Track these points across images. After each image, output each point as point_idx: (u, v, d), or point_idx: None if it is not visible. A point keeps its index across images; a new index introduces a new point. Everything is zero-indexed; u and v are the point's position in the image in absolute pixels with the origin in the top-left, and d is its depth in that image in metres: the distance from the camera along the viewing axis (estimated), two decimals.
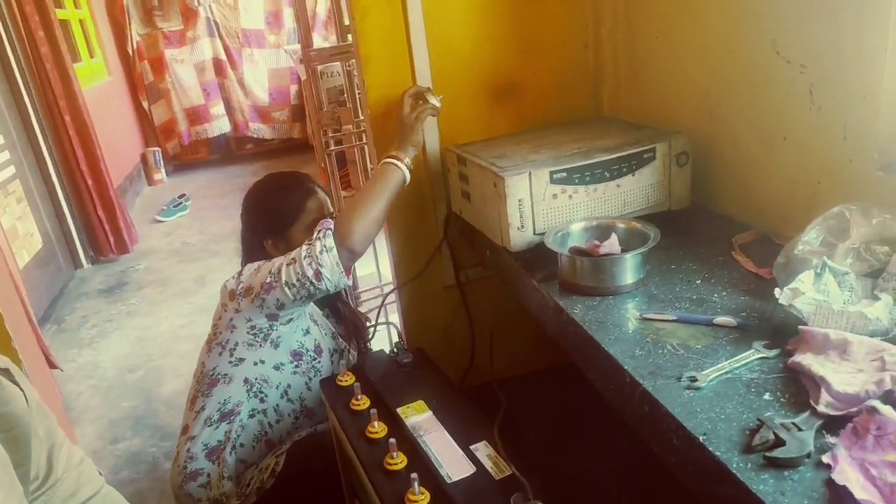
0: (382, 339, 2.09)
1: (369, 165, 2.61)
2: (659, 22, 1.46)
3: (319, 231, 1.39)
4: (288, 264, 1.38)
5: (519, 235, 1.26)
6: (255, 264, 1.46)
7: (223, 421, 1.49)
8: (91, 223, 4.07)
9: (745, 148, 1.28)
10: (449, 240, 1.68)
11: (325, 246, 1.36)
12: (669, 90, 1.47)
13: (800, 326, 0.86)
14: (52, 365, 2.49)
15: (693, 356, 0.90)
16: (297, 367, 1.53)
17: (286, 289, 1.38)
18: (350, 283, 1.46)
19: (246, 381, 1.49)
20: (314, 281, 1.36)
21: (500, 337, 1.76)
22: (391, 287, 2.14)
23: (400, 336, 1.78)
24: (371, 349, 1.78)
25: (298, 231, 1.52)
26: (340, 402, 1.33)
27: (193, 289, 3.68)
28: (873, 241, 0.94)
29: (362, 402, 1.29)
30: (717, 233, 1.27)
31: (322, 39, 5.63)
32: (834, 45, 1.03)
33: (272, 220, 1.55)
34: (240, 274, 1.47)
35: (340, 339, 1.68)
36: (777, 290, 0.90)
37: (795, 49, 1.10)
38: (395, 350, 1.45)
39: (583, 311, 1.05)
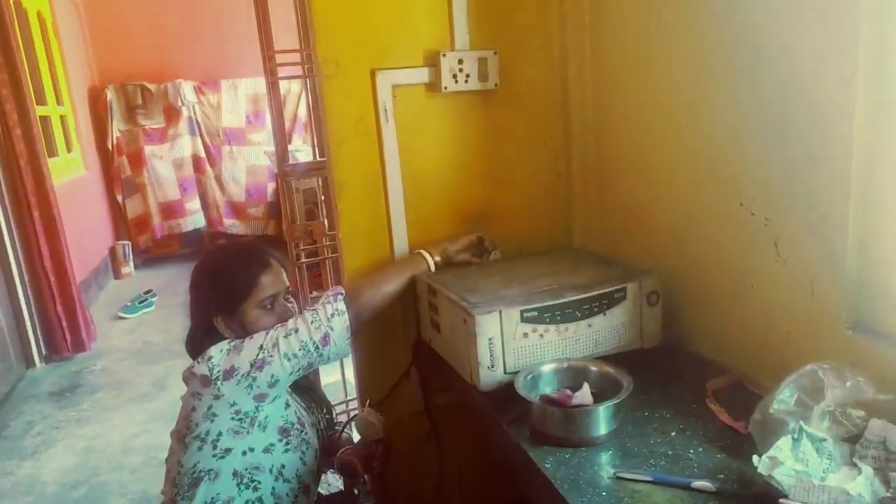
0: None
1: (342, 278, 2.59)
2: (629, 159, 1.50)
3: (328, 296, 1.39)
4: (286, 336, 1.32)
5: (489, 374, 1.22)
6: (225, 344, 1.35)
7: None
8: (49, 320, 3.93)
9: (715, 291, 1.28)
10: (418, 365, 1.63)
11: (336, 310, 1.35)
12: (639, 226, 1.49)
13: (781, 500, 0.83)
14: None
15: None
16: (287, 443, 1.40)
17: (285, 361, 1.31)
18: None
19: (235, 473, 1.35)
20: (320, 347, 1.33)
21: (469, 468, 1.68)
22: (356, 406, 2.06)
23: (362, 477, 1.67)
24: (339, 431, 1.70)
25: (251, 307, 1.38)
26: None
27: (152, 393, 3.51)
28: (848, 403, 0.93)
29: None
30: (690, 374, 1.25)
31: (301, 142, 5.76)
32: (797, 202, 1.06)
33: (222, 297, 1.40)
34: (208, 357, 1.32)
35: (313, 413, 1.57)
36: (755, 458, 0.87)
37: (759, 202, 1.13)
38: (357, 492, 1.36)
39: (554, 466, 1.00)
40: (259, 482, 1.37)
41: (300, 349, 1.32)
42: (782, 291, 1.11)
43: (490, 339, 1.21)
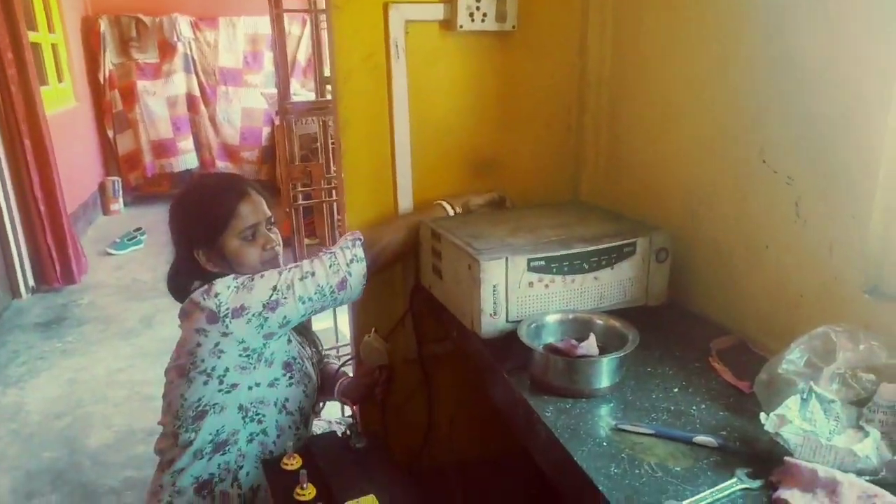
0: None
1: (336, 220, 2.55)
2: (644, 115, 1.46)
3: (346, 240, 1.38)
4: (302, 278, 1.31)
5: (491, 322, 1.20)
6: (230, 280, 1.32)
7: (217, 452, 1.36)
8: (39, 250, 3.88)
9: (726, 251, 1.26)
10: (414, 312, 1.61)
11: (355, 256, 1.35)
12: (651, 183, 1.45)
13: (786, 458, 0.81)
14: None
15: (672, 480, 0.83)
16: (290, 377, 1.42)
17: (299, 304, 1.30)
18: None
19: (241, 407, 1.36)
20: (336, 292, 1.34)
21: (461, 417, 1.68)
22: (349, 351, 2.05)
23: (354, 416, 1.67)
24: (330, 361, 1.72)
25: (230, 238, 1.36)
26: (283, 489, 1.22)
27: (138, 329, 3.49)
28: (859, 367, 0.91)
29: (307, 493, 1.18)
30: (694, 334, 1.24)
31: (300, 86, 5.62)
32: (823, 162, 1.02)
33: (201, 230, 1.38)
34: (214, 294, 1.29)
35: (307, 348, 1.57)
36: (763, 416, 0.85)
37: (783, 160, 1.09)
38: (349, 432, 1.35)
39: (554, 415, 0.99)
40: (263, 415, 1.39)
41: (315, 293, 1.31)
42: (799, 253, 1.08)
43: (494, 287, 1.18)
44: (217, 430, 1.35)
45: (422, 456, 1.67)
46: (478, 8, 1.46)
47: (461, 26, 1.46)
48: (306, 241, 3.90)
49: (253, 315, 1.29)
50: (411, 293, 1.60)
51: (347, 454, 1.33)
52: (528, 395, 1.05)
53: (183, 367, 1.34)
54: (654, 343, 1.20)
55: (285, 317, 1.31)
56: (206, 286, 1.32)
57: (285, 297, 1.29)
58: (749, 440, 0.91)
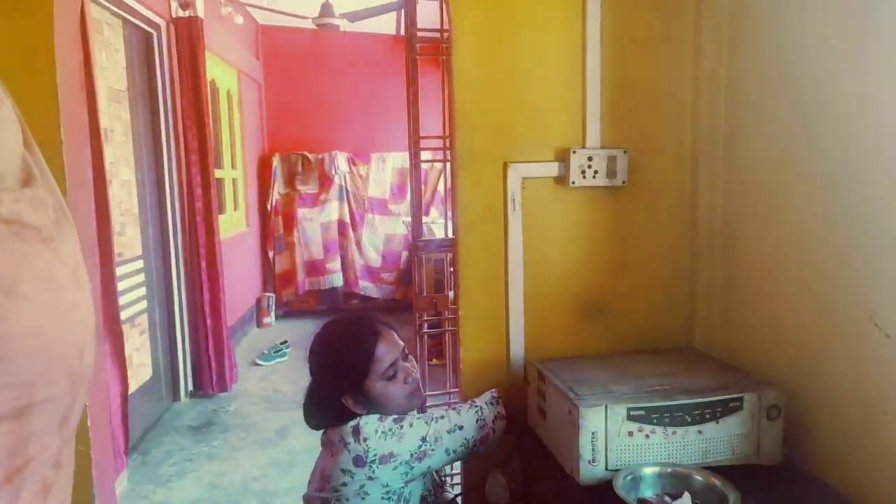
0: None
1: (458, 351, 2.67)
2: (756, 267, 1.47)
3: (491, 395, 1.49)
4: (450, 431, 1.41)
5: (589, 469, 1.22)
6: (375, 422, 1.39)
7: None
8: (200, 360, 4.35)
9: (842, 414, 1.20)
10: (522, 450, 1.64)
11: (499, 413, 1.45)
12: (764, 335, 1.44)
13: None
14: None
15: None
16: None
17: (444, 455, 1.40)
18: None
19: None
20: (478, 445, 1.43)
21: None
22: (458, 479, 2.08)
23: None
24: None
25: (374, 381, 1.41)
26: None
27: (274, 440, 3.74)
28: None
29: None
30: (809, 500, 1.17)
31: (438, 214, 6.05)
32: None
33: (345, 379, 1.43)
34: (364, 438, 1.36)
35: (436, 474, 1.63)
36: None
37: (895, 323, 1.07)
38: None
39: None
40: None
41: (461, 446, 1.41)
42: None
43: (594, 434, 1.21)
44: None
45: None
46: (589, 166, 1.60)
47: (573, 182, 1.60)
48: (433, 361, 4.09)
49: (400, 463, 1.37)
50: (520, 431, 1.64)
51: None
52: None
53: (328, 501, 1.42)
54: None
55: (430, 466, 1.40)
56: (355, 425, 1.39)
57: (433, 449, 1.38)
58: None
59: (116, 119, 3.37)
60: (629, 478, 1.14)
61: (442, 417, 1.43)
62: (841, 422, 1.21)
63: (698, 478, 1.14)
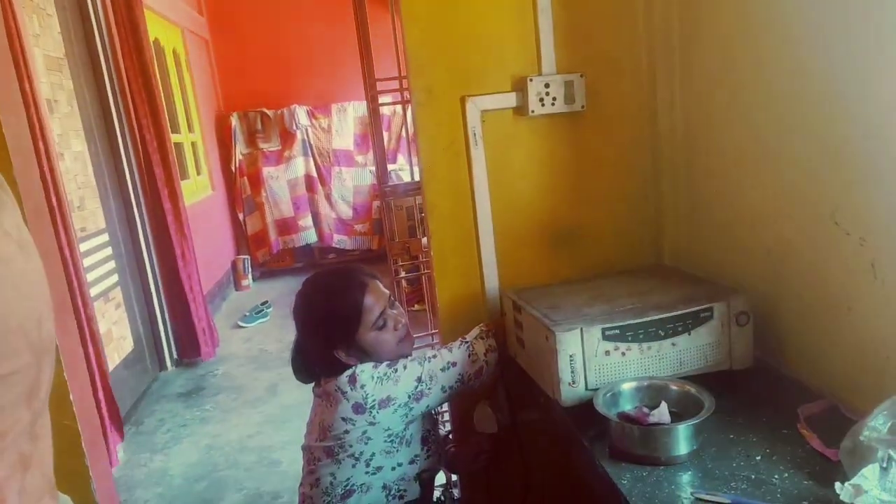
0: None
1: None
2: (718, 178, 1.48)
3: (481, 329, 1.52)
4: (443, 369, 1.43)
5: (570, 391, 1.25)
6: (370, 369, 1.40)
7: None
8: (180, 328, 4.33)
9: (809, 312, 1.24)
10: (505, 381, 1.68)
11: (491, 346, 1.49)
12: (731, 245, 1.46)
13: None
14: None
15: None
16: (429, 451, 1.52)
17: (441, 393, 1.43)
18: None
19: (385, 486, 1.47)
20: (474, 379, 1.46)
21: (553, 484, 1.70)
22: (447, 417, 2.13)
23: (454, 483, 1.75)
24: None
25: (365, 332, 1.43)
26: None
27: (265, 398, 3.77)
28: None
29: None
30: (782, 399, 1.21)
31: (405, 161, 5.97)
32: (894, 222, 1.01)
33: (335, 332, 1.44)
34: (360, 385, 1.38)
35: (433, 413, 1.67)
36: (838, 485, 0.85)
37: (855, 221, 1.09)
38: (443, 498, 1.43)
39: (630, 483, 1.02)
40: (405, 490, 1.49)
41: (456, 381, 1.44)
42: (881, 314, 1.06)
43: (571, 356, 1.23)
44: None
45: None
46: (547, 93, 1.57)
47: (532, 111, 1.58)
48: (416, 306, 4.11)
49: (399, 405, 1.39)
50: (503, 362, 1.67)
51: None
52: (606, 462, 1.08)
53: (332, 450, 1.44)
54: (739, 408, 1.19)
55: (428, 405, 1.44)
56: (350, 375, 1.40)
57: (429, 388, 1.41)
58: None
59: (59, 89, 3.22)
60: (608, 394, 1.17)
61: (435, 357, 1.45)
62: (808, 321, 1.24)
63: (674, 388, 1.17)
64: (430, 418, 1.59)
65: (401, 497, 1.48)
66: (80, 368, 1.84)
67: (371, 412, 1.38)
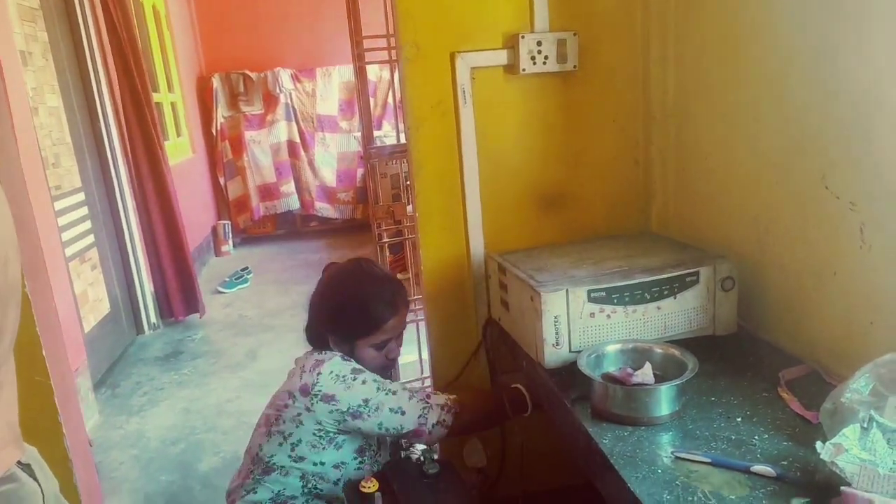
0: None
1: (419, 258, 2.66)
2: (708, 144, 1.46)
3: (448, 401, 1.43)
4: (392, 410, 1.38)
5: (554, 353, 1.24)
6: (338, 365, 1.40)
7: None
8: (165, 289, 4.26)
9: (794, 278, 1.23)
10: (487, 345, 1.67)
11: (443, 422, 1.40)
12: (718, 212, 1.45)
13: (842, 487, 0.80)
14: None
15: None
16: (361, 462, 1.48)
17: (375, 427, 1.38)
18: None
19: (303, 476, 1.45)
20: (410, 436, 1.41)
21: (532, 448, 1.71)
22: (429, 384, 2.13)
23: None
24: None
25: (365, 344, 1.46)
26: None
27: (244, 363, 3.75)
28: None
29: None
30: (763, 364, 1.22)
31: (391, 128, 5.90)
32: (884, 185, 1.00)
33: (345, 321, 1.46)
34: (318, 372, 1.39)
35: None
36: (819, 444, 0.85)
37: (845, 185, 1.08)
38: (423, 458, 1.42)
39: (612, 442, 1.01)
40: (321, 490, 1.46)
41: (394, 428, 1.39)
42: (866, 279, 1.06)
43: (556, 318, 1.22)
44: (278, 491, 1.44)
45: (494, 486, 1.70)
46: (539, 52, 1.54)
47: (524, 69, 1.54)
48: (399, 275, 4.10)
49: (336, 410, 1.37)
50: (484, 325, 1.66)
51: (421, 479, 1.40)
52: (588, 423, 1.08)
53: (269, 419, 1.46)
54: (721, 372, 1.20)
55: (360, 429, 1.39)
56: (319, 359, 1.42)
57: (369, 416, 1.37)
58: (809, 470, 0.89)
59: (33, 40, 3.10)
60: (592, 356, 1.16)
61: (394, 393, 1.40)
62: (793, 287, 1.24)
63: (658, 350, 1.17)
64: (378, 439, 1.53)
65: (316, 496, 1.46)
66: (52, 322, 1.79)
67: (312, 399, 1.38)
